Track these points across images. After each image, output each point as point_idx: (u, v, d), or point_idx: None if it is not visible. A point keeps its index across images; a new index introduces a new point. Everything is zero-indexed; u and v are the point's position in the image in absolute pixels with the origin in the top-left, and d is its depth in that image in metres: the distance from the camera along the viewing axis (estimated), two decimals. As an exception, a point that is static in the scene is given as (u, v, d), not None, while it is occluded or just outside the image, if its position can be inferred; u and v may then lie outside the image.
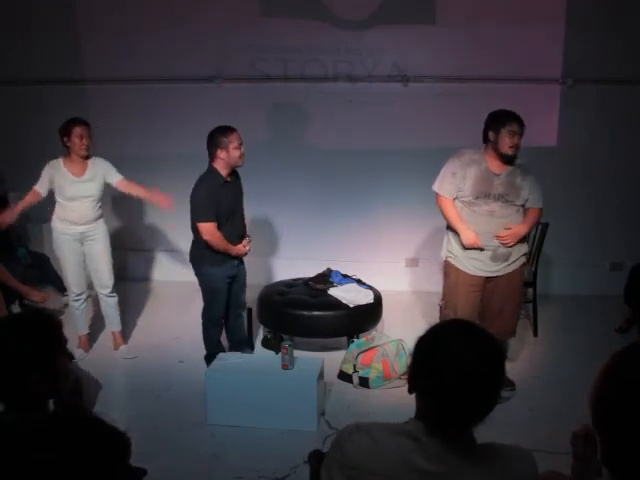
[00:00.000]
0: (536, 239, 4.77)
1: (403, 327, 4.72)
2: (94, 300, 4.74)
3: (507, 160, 3.67)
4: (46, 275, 5.12)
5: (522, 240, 3.84)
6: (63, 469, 1.16)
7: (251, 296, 4.42)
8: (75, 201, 4.19)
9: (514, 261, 3.80)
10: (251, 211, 4.58)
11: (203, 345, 4.22)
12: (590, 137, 5.44)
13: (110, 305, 4.45)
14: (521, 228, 3.75)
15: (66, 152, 4.21)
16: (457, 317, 3.59)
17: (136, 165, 5.63)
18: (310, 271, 5.00)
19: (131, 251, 6.12)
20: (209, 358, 4.05)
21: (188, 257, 4.15)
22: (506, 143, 3.61)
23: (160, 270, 6.18)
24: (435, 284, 4.18)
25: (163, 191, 5.80)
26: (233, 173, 4.04)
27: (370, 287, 4.64)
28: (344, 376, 4.07)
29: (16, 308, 4.36)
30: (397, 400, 3.73)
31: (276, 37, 5.54)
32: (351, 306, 4.36)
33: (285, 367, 3.57)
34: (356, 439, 1.49)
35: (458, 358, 1.38)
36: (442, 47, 5.39)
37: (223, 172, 3.93)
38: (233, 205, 4.03)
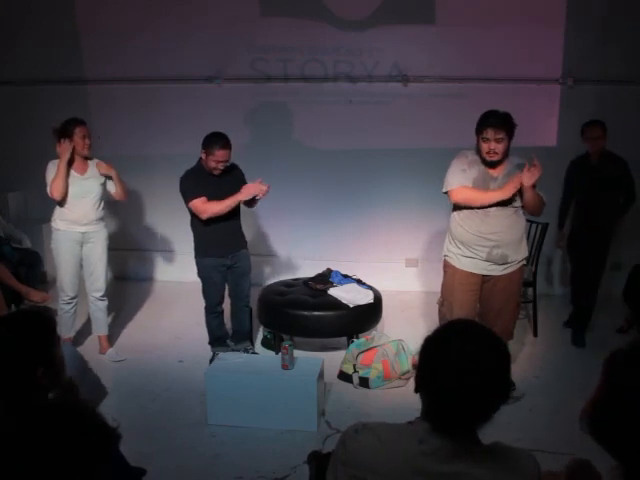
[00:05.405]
0: (536, 239, 4.77)
1: (403, 327, 4.72)
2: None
3: (491, 165, 3.62)
4: (31, 274, 5.03)
5: (522, 243, 3.78)
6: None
7: (251, 296, 4.41)
8: (78, 199, 4.17)
9: (512, 265, 3.72)
10: (251, 211, 4.58)
11: (203, 345, 4.34)
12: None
13: (100, 309, 4.41)
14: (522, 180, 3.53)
15: None
16: (453, 315, 3.58)
17: (135, 165, 5.64)
18: (310, 271, 5.00)
19: (131, 251, 6.12)
20: (212, 343, 4.32)
21: (188, 257, 4.20)
22: (484, 150, 3.56)
23: (160, 270, 6.18)
24: (435, 284, 4.17)
25: (162, 191, 5.84)
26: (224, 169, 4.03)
27: (370, 287, 4.63)
28: (344, 376, 4.07)
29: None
30: (397, 400, 3.74)
31: (276, 37, 5.54)
32: (351, 306, 4.36)
33: (285, 367, 3.56)
34: (362, 438, 1.48)
35: (464, 358, 1.38)
36: (442, 47, 5.39)
37: (207, 167, 4.01)
38: (219, 195, 3.97)
